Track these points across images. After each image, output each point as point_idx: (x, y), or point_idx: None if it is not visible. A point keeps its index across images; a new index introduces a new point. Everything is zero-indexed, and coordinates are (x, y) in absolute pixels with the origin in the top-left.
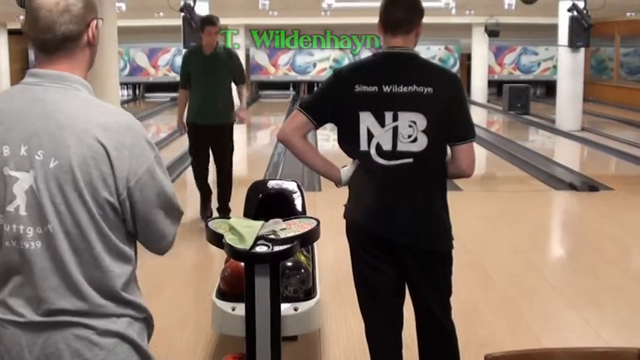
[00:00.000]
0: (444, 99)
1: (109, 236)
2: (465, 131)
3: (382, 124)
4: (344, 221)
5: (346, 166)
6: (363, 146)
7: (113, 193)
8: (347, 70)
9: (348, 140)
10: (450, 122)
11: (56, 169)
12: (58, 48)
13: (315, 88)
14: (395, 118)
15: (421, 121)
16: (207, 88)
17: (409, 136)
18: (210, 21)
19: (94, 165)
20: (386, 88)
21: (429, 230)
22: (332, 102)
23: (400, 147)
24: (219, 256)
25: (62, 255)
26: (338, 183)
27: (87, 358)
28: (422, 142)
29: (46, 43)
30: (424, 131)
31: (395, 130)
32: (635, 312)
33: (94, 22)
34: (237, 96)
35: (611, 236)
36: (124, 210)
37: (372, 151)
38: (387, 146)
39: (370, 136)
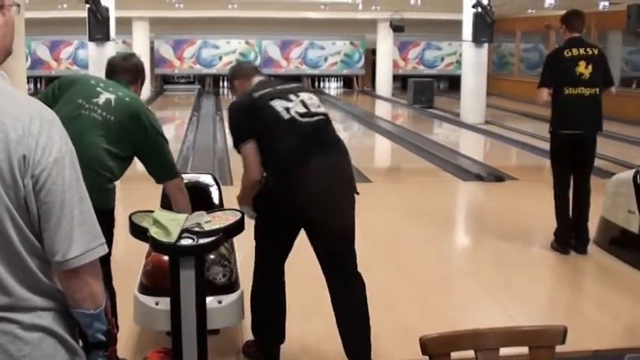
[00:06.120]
0: None
1: (23, 228)
2: None
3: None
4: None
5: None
6: None
7: (21, 184)
8: None
9: None
10: None
11: None
12: None
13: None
14: None
15: None
16: None
17: None
18: None
19: (3, 157)
20: None
21: None
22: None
23: None
24: (140, 249)
25: None
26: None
27: (12, 353)
28: None
29: None
30: None
31: None
32: (544, 294)
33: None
34: None
35: (517, 224)
36: (30, 203)
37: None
38: None
39: None
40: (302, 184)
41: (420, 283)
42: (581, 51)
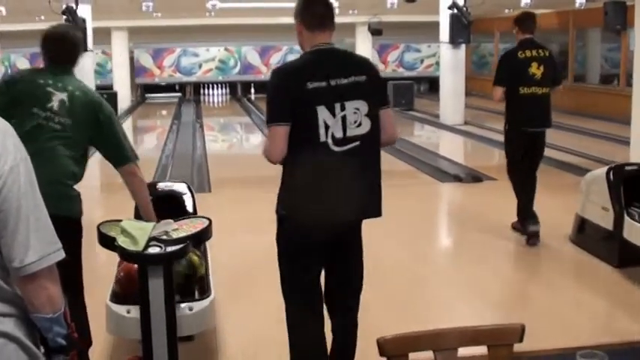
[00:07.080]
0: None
1: None
2: None
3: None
4: (236, 220)
5: None
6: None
7: None
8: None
9: None
10: None
11: None
12: None
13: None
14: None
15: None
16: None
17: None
18: None
19: None
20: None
21: None
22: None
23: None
24: (112, 259)
25: None
26: None
27: None
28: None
29: None
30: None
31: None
32: (519, 293)
33: None
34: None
35: (495, 224)
36: None
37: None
38: None
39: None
40: (312, 216)
41: (396, 284)
42: (534, 52)
